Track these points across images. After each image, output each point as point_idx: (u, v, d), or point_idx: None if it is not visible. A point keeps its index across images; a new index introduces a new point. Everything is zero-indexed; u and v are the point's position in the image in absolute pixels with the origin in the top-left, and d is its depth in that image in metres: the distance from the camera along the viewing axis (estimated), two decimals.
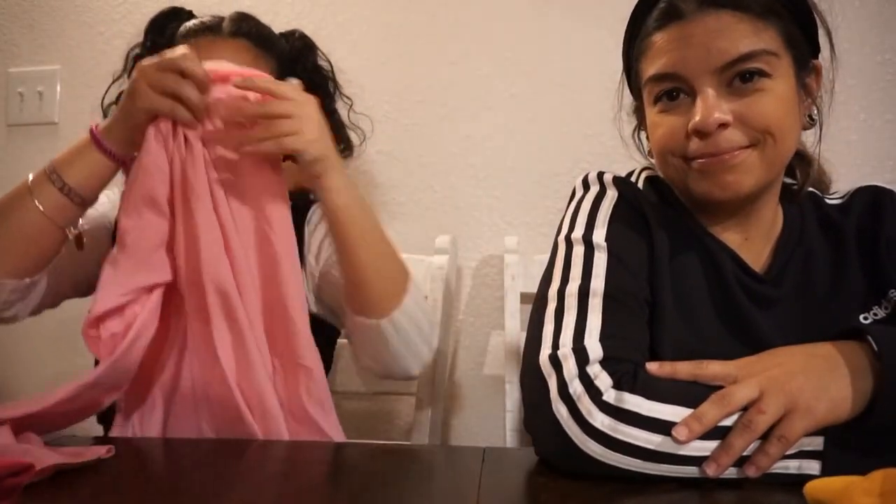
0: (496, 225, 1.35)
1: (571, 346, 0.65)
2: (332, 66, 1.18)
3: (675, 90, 0.71)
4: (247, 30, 1.04)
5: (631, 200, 0.78)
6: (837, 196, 0.83)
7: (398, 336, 0.85)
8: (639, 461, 0.58)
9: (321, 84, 1.15)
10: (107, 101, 1.11)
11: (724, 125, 0.68)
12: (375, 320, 0.84)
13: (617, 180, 0.81)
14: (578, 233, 0.76)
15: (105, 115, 1.11)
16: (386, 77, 1.40)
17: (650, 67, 0.73)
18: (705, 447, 0.58)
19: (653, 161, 0.81)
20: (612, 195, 0.79)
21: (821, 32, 0.80)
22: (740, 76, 0.68)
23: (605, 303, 0.68)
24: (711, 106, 0.68)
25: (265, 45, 1.05)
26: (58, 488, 0.59)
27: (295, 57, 1.11)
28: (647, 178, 0.83)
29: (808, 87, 0.77)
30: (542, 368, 0.65)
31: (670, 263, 0.74)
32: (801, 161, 0.82)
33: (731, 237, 0.77)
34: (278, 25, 1.31)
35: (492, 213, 1.36)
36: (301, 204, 1.11)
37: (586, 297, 0.69)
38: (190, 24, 1.05)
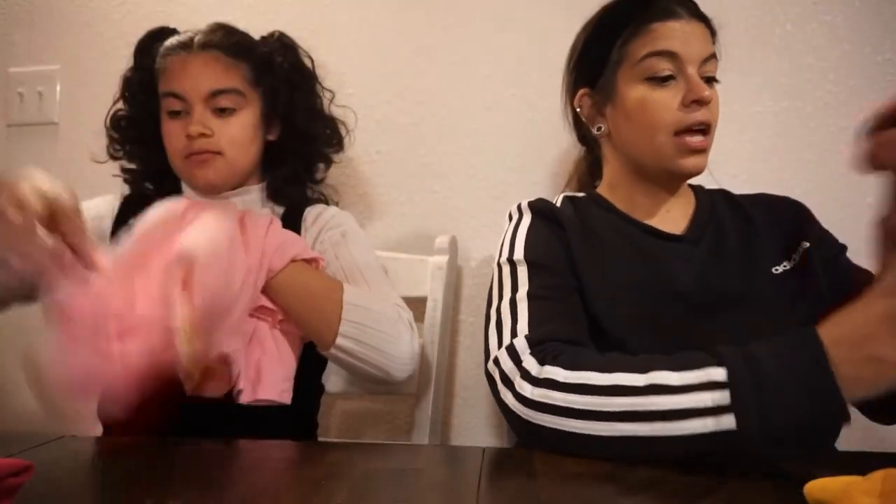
0: (496, 225, 1.35)
1: (505, 346, 0.76)
2: (314, 64, 1.20)
3: (673, 71, 0.88)
4: (217, 41, 1.08)
5: (545, 215, 0.93)
6: (746, 193, 1.01)
7: (350, 358, 0.94)
8: (570, 420, 0.66)
9: (302, 83, 1.16)
10: (109, 123, 1.17)
11: (710, 100, 0.87)
12: (325, 351, 0.94)
13: (532, 203, 0.95)
14: (504, 257, 0.89)
15: (108, 135, 1.17)
16: (386, 77, 1.40)
17: (648, 46, 0.88)
18: (630, 403, 0.64)
19: (601, 137, 0.99)
20: (527, 217, 0.94)
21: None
22: (707, 75, 0.89)
23: (529, 303, 0.80)
24: (703, 84, 0.87)
25: (237, 52, 1.08)
26: (57, 488, 0.59)
27: (271, 57, 1.13)
28: (566, 197, 0.99)
29: None
30: (491, 372, 0.77)
31: (593, 252, 0.88)
32: None
33: (657, 213, 0.95)
34: (278, 26, 1.31)
35: (492, 213, 1.36)
36: (296, 206, 1.13)
37: (515, 305, 0.81)
38: (167, 43, 1.09)
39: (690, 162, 0.88)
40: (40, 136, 1.54)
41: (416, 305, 1.32)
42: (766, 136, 1.27)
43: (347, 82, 1.40)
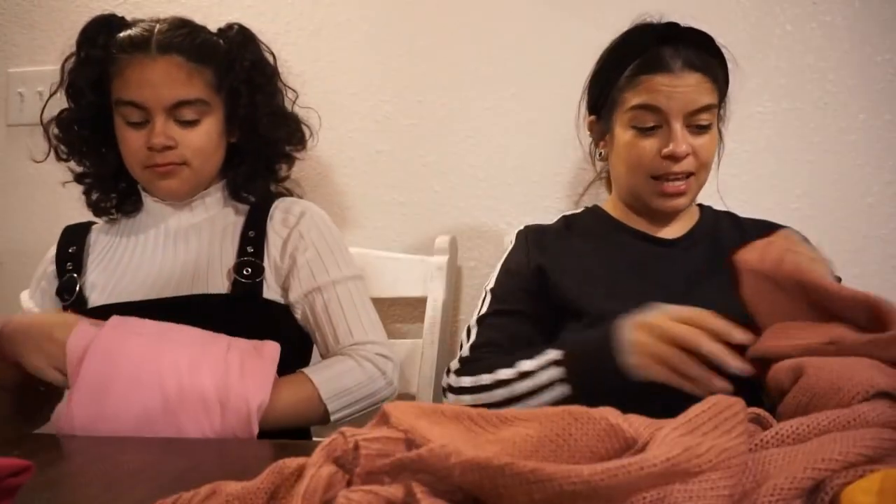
0: (496, 225, 1.35)
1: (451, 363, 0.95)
2: (275, 59, 1.13)
3: (656, 122, 0.94)
4: (178, 43, 1.00)
5: (520, 242, 1.04)
6: (751, 217, 1.08)
7: (349, 416, 0.98)
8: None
9: (260, 82, 1.09)
10: (47, 115, 1.07)
11: (687, 154, 0.94)
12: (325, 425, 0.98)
13: (519, 232, 1.07)
14: (486, 283, 1.04)
15: (46, 132, 1.08)
16: (386, 77, 1.40)
17: (636, 98, 0.95)
18: (506, 392, 0.84)
19: (604, 165, 1.10)
20: (511, 246, 1.06)
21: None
22: (699, 123, 0.94)
23: (478, 328, 0.97)
24: (682, 138, 0.93)
25: (199, 56, 1.01)
26: (57, 488, 0.59)
27: (233, 56, 1.06)
28: (562, 217, 1.10)
29: (720, 131, 1.05)
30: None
31: (570, 262, 0.99)
32: None
33: (654, 227, 1.03)
34: (278, 26, 1.31)
35: (492, 213, 1.36)
36: (262, 202, 1.10)
37: (469, 329, 0.98)
38: (120, 37, 1.01)
39: (667, 203, 0.98)
40: (40, 136, 1.54)
41: (416, 305, 1.32)
42: (766, 136, 1.27)
43: (348, 82, 1.40)
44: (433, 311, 1.22)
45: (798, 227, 1.17)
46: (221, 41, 1.07)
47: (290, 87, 1.16)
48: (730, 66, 1.01)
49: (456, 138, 1.37)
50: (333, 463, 0.46)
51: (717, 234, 1.03)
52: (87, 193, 1.12)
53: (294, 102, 1.16)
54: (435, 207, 1.37)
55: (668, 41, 0.95)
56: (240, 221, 1.08)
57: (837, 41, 1.25)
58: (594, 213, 1.09)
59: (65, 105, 1.07)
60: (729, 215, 1.08)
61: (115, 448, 0.76)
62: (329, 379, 0.96)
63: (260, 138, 1.09)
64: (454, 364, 0.94)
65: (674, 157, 0.94)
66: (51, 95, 1.07)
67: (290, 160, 1.17)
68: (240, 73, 1.06)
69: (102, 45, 1.02)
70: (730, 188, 1.19)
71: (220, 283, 1.01)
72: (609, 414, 0.46)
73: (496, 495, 0.40)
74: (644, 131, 0.95)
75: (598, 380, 0.79)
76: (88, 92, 1.04)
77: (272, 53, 1.13)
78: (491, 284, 1.02)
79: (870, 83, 1.23)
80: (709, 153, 0.97)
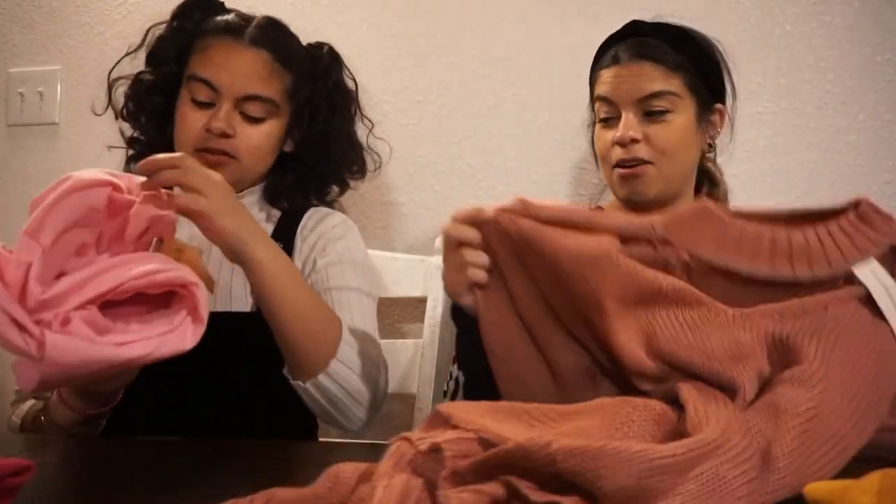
0: None
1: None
2: (357, 85, 1.14)
3: (610, 113, 0.99)
4: (269, 40, 1.02)
5: None
6: None
7: (324, 398, 0.86)
8: None
9: (340, 104, 1.10)
10: (116, 74, 1.07)
11: (635, 140, 0.96)
12: (301, 382, 0.84)
13: None
14: None
15: (110, 89, 1.07)
16: (386, 77, 1.40)
17: (595, 91, 1.02)
18: None
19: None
20: None
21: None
22: (651, 109, 0.96)
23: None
24: (628, 125, 0.96)
25: (285, 58, 1.02)
26: (57, 488, 0.59)
27: (318, 73, 1.08)
28: None
29: (712, 123, 1.04)
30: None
31: None
32: (709, 178, 1.10)
33: None
34: None
35: None
36: (295, 209, 1.07)
37: None
38: (217, 20, 1.03)
39: (626, 189, 0.99)
40: (40, 136, 1.55)
41: (416, 305, 1.32)
42: (766, 136, 1.27)
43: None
44: (433, 311, 1.22)
45: None
46: (309, 55, 1.09)
47: (366, 117, 1.17)
48: (723, 56, 1.03)
49: (456, 138, 1.37)
50: (403, 470, 0.47)
51: None
52: (130, 160, 1.08)
53: (370, 132, 1.18)
54: (435, 207, 1.37)
55: (625, 38, 1.00)
56: (268, 230, 1.03)
57: (837, 41, 1.25)
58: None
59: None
60: None
61: (116, 448, 0.76)
62: (355, 332, 0.90)
63: (324, 156, 1.08)
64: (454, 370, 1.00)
65: (620, 143, 0.97)
66: (126, 54, 1.07)
67: (345, 186, 1.16)
68: (321, 91, 1.07)
69: (197, 21, 1.04)
70: (730, 188, 1.19)
71: (242, 300, 0.98)
72: (656, 404, 0.54)
73: (596, 476, 0.43)
74: (605, 122, 1.01)
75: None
76: (171, 61, 1.04)
77: (354, 80, 1.15)
78: None
79: (870, 83, 1.23)
80: (666, 140, 0.96)
